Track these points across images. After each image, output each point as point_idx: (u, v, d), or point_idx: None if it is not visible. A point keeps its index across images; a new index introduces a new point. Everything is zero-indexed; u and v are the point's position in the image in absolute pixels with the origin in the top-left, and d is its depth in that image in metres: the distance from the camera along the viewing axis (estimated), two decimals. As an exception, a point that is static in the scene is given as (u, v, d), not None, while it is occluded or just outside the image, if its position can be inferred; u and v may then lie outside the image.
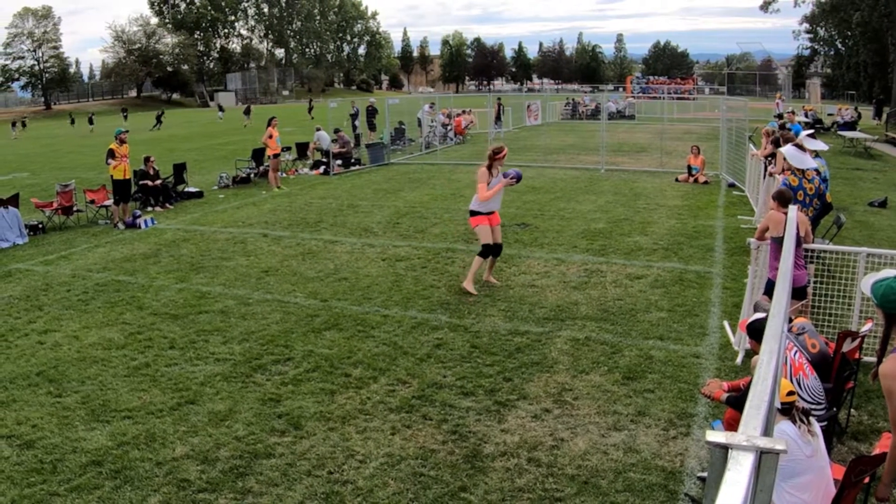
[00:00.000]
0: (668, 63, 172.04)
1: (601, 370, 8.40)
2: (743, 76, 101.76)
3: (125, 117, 72.60)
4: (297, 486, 6.31)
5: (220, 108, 73.62)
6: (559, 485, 6.10)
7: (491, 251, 11.35)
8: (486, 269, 11.71)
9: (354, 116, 36.06)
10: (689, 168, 23.41)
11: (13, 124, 63.82)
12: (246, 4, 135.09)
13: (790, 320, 6.23)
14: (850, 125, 40.03)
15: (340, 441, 7.02)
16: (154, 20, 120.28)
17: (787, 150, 10.98)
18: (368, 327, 10.07)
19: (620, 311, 10.38)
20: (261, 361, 9.06)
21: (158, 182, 21.17)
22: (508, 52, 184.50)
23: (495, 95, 42.40)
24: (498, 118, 38.31)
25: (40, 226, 18.05)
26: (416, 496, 6.02)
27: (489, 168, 11.07)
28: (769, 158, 15.81)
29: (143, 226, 17.99)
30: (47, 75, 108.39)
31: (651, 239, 14.76)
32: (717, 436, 2.04)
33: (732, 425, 5.73)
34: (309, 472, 6.50)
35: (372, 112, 36.86)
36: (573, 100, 61.09)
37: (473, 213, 11.28)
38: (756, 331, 5.79)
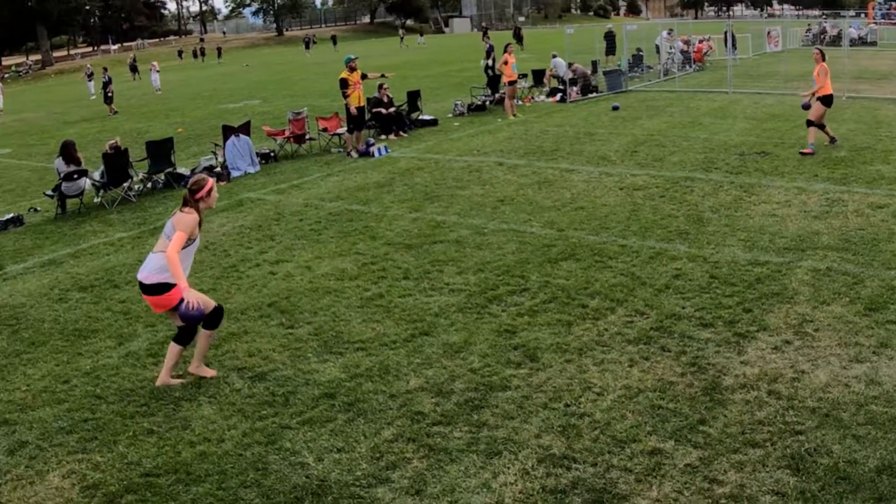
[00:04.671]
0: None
1: (842, 301, 8.56)
2: None
3: (335, 46, 76.40)
4: (533, 418, 6.51)
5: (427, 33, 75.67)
6: (800, 418, 6.29)
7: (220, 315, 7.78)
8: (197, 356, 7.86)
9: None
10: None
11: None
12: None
13: None
14: None
15: (577, 373, 7.25)
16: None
17: None
18: (606, 257, 10.33)
19: (862, 241, 10.45)
20: (496, 292, 9.37)
21: (392, 110, 22.02)
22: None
23: (730, 23, 41.49)
24: (734, 45, 37.60)
25: (272, 154, 19.40)
26: (654, 429, 6.25)
27: (197, 211, 7.46)
28: None
29: (376, 154, 18.81)
30: (279, 1, 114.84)
31: (894, 167, 14.55)
32: None
33: None
34: (545, 405, 6.71)
35: (610, 37, 37.89)
36: (815, 25, 58.16)
37: (162, 289, 7.39)
38: None
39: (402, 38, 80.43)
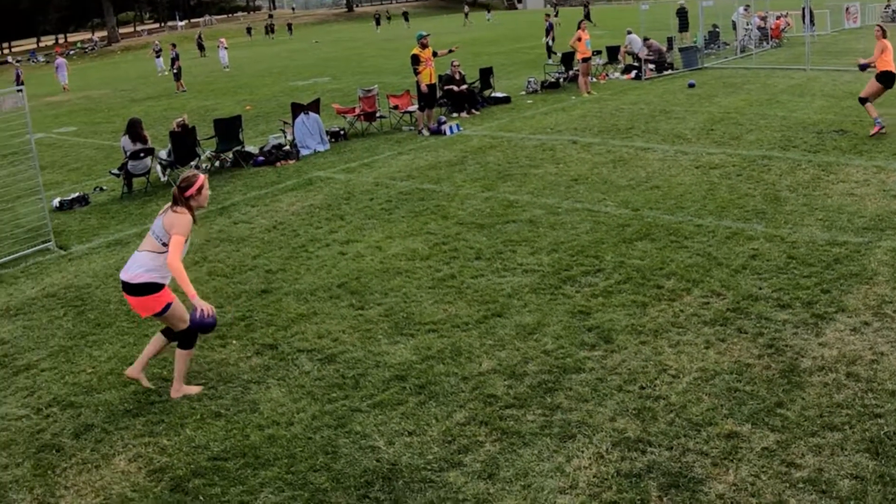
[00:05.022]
0: None
1: (920, 281, 8.46)
2: None
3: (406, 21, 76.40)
4: (608, 401, 6.55)
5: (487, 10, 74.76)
6: (879, 400, 6.26)
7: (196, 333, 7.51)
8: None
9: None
10: None
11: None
12: None
13: None
14: None
15: (652, 355, 7.28)
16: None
17: None
18: (681, 237, 10.32)
19: (943, 220, 10.33)
20: (570, 273, 9.41)
21: (464, 87, 22.06)
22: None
23: None
24: (812, 21, 37.01)
25: (342, 132, 19.59)
26: (731, 412, 6.26)
27: (190, 210, 7.18)
28: None
29: (448, 132, 18.89)
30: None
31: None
32: None
33: None
34: (620, 388, 6.75)
35: (682, 13, 37.63)
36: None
37: (149, 289, 7.11)
38: None
39: (466, 15, 80.00)
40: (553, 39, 34.11)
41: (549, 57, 31.80)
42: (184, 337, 7.24)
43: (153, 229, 7.14)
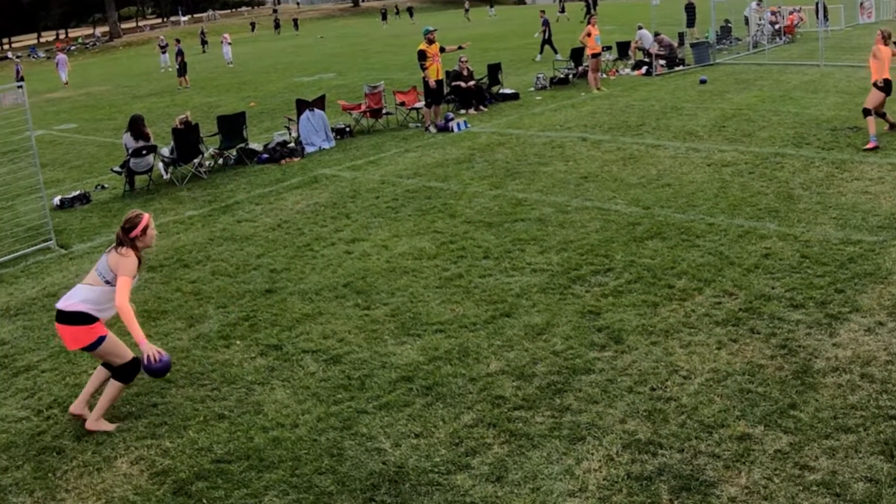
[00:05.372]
0: None
1: (937, 281, 8.46)
2: None
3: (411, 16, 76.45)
4: (618, 403, 6.57)
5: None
6: (894, 402, 6.28)
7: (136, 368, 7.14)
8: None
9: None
10: None
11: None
12: None
13: None
14: None
15: (663, 356, 7.30)
16: None
17: None
18: (693, 236, 10.36)
19: (958, 220, 10.33)
20: (580, 272, 9.43)
21: (472, 83, 22.08)
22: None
23: None
24: (825, 16, 37.18)
25: (348, 129, 19.63)
26: (744, 413, 6.28)
27: (136, 250, 7.01)
28: None
29: (455, 129, 18.92)
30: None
31: None
32: None
33: None
34: (630, 389, 6.78)
35: (690, 8, 37.81)
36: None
37: (82, 319, 6.86)
38: None
39: (466, 11, 79.65)
40: (549, 35, 34.30)
41: (540, 53, 32.01)
42: (122, 371, 6.96)
43: (97, 266, 6.97)
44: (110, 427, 6.99)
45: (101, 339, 6.81)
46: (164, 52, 46.55)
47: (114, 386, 6.99)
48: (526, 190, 13.07)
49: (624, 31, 37.78)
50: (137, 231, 6.95)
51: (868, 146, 14.35)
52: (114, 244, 6.99)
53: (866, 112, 14.75)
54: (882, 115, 15.14)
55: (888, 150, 13.95)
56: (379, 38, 59.84)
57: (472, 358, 7.53)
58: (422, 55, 19.00)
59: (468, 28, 61.15)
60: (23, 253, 12.17)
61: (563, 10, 65.32)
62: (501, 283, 9.26)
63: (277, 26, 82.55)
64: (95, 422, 6.98)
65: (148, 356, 6.60)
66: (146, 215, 7.07)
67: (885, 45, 14.61)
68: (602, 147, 15.85)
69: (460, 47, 20.91)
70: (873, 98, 14.65)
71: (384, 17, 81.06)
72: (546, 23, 34.98)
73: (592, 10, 43.76)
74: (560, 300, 8.66)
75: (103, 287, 6.83)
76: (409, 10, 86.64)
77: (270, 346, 8.21)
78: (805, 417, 6.13)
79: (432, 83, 19.00)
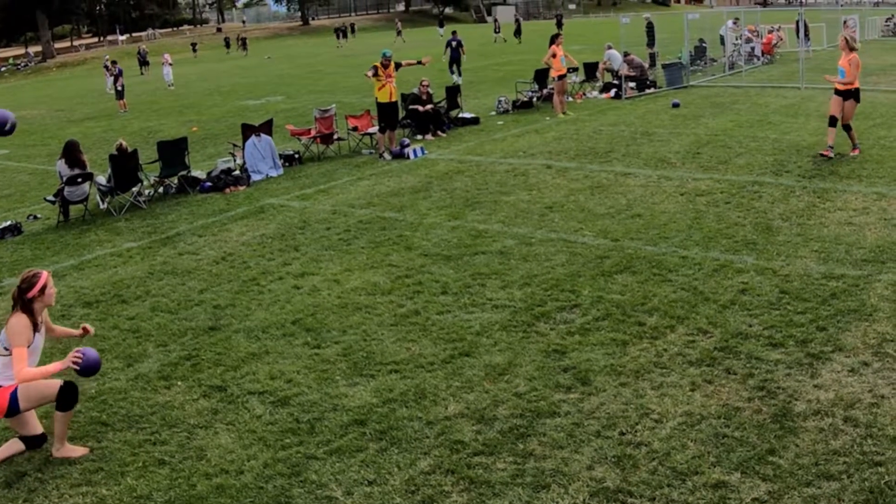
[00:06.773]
0: None
1: (925, 318, 8.42)
2: None
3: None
4: (585, 448, 6.55)
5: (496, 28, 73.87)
6: (879, 447, 6.26)
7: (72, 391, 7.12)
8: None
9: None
10: None
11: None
12: None
13: None
14: None
15: (633, 398, 7.30)
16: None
17: None
18: (665, 270, 10.41)
19: (947, 253, 10.37)
20: (544, 308, 9.44)
21: (430, 107, 22.14)
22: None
23: (802, 11, 41.78)
24: (807, 35, 37.99)
25: (296, 156, 19.61)
26: (719, 459, 6.26)
27: (29, 313, 7.00)
28: None
29: (411, 156, 18.95)
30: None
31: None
32: None
33: None
34: (598, 433, 6.75)
35: (650, 28, 38.22)
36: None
37: None
38: None
39: (399, 33, 75.15)
40: (453, 60, 34.87)
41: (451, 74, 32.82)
42: (60, 399, 6.91)
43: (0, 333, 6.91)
44: (82, 451, 7.05)
45: (13, 395, 6.74)
46: (109, 73, 46.29)
47: (59, 418, 6.96)
48: (487, 221, 13.10)
49: (592, 51, 38.17)
50: (35, 291, 6.89)
51: (854, 152, 15.32)
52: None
53: (832, 121, 15.46)
54: (847, 129, 15.73)
55: (873, 179, 14.16)
56: (330, 59, 59.96)
57: (430, 400, 7.50)
58: (374, 69, 19.02)
59: (428, 47, 61.22)
60: (-56, 287, 11.99)
61: (498, 31, 66.06)
62: (460, 321, 9.25)
63: (228, 45, 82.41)
64: (60, 450, 7.01)
65: (72, 364, 6.68)
66: (44, 273, 7.02)
67: (852, 52, 15.36)
68: (568, 175, 15.94)
69: (420, 62, 20.97)
70: (847, 107, 15.53)
71: (339, 36, 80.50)
72: (451, 43, 35.43)
73: (559, 30, 44.35)
74: (523, 338, 8.65)
75: (6, 357, 6.74)
76: (352, 27, 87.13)
77: (214, 387, 8.13)
78: (784, 464, 6.12)
79: (381, 99, 19.05)
